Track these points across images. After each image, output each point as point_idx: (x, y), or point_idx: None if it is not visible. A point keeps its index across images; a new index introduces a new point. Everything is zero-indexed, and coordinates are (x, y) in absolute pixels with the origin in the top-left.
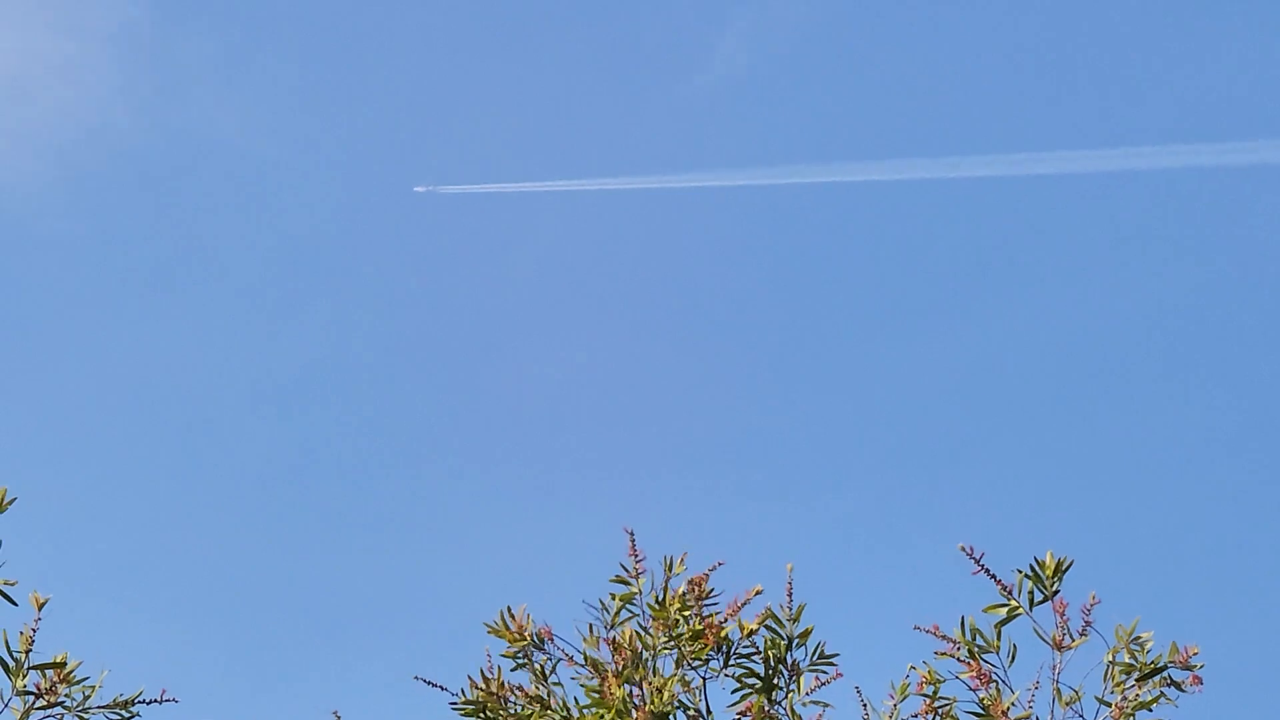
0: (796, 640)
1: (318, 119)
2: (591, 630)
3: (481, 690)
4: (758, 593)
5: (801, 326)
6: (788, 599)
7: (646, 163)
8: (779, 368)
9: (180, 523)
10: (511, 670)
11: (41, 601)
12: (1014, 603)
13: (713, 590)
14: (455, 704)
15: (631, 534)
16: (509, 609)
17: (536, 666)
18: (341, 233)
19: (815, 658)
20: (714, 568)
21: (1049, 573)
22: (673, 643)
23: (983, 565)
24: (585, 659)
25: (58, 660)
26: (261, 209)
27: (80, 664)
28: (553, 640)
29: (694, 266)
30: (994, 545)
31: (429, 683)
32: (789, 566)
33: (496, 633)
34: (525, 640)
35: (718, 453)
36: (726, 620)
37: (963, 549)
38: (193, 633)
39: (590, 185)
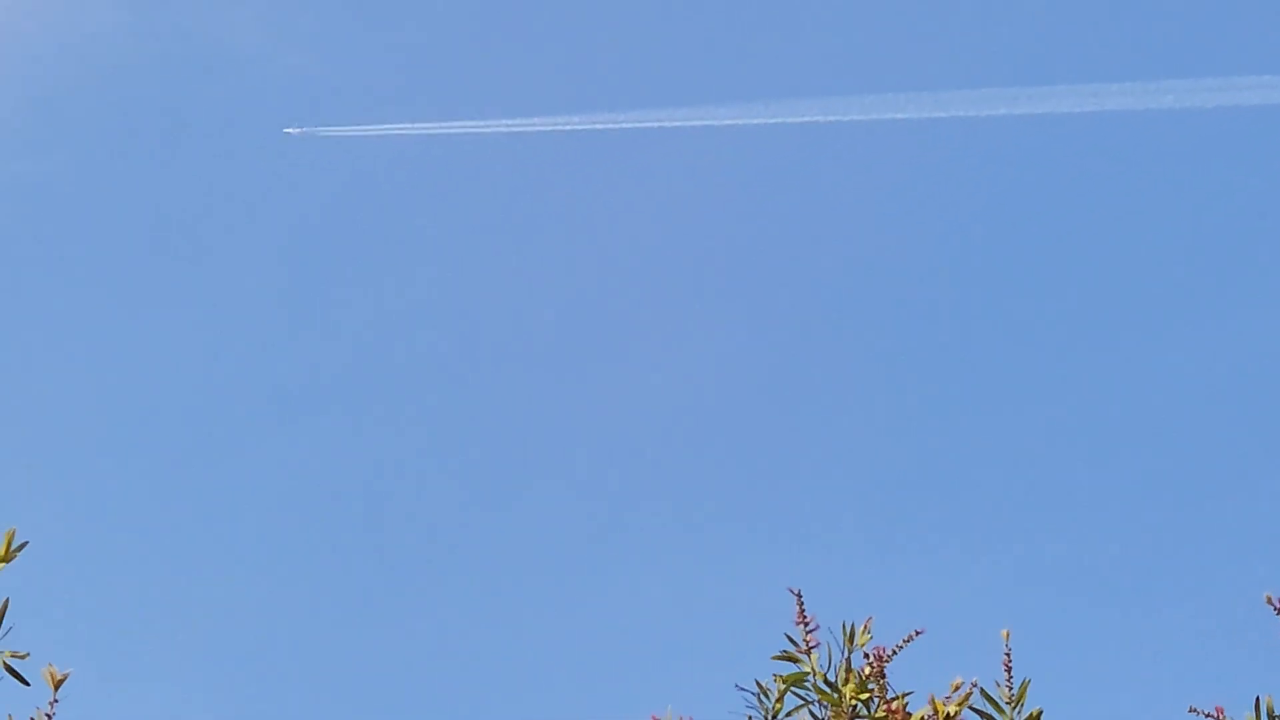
0: None
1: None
2: None
3: None
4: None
5: (977, 313)
6: (1006, 674)
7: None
8: (950, 370)
9: (197, 565)
10: None
11: (59, 678)
12: None
13: (892, 653)
14: None
15: (799, 595)
16: None
17: None
18: (394, 183)
19: None
20: (910, 638)
21: None
22: None
23: None
24: None
25: None
26: (300, 148)
27: None
28: None
29: (830, 228)
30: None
31: None
32: (1005, 633)
33: None
34: None
35: (888, 487)
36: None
37: (1270, 601)
38: (226, 708)
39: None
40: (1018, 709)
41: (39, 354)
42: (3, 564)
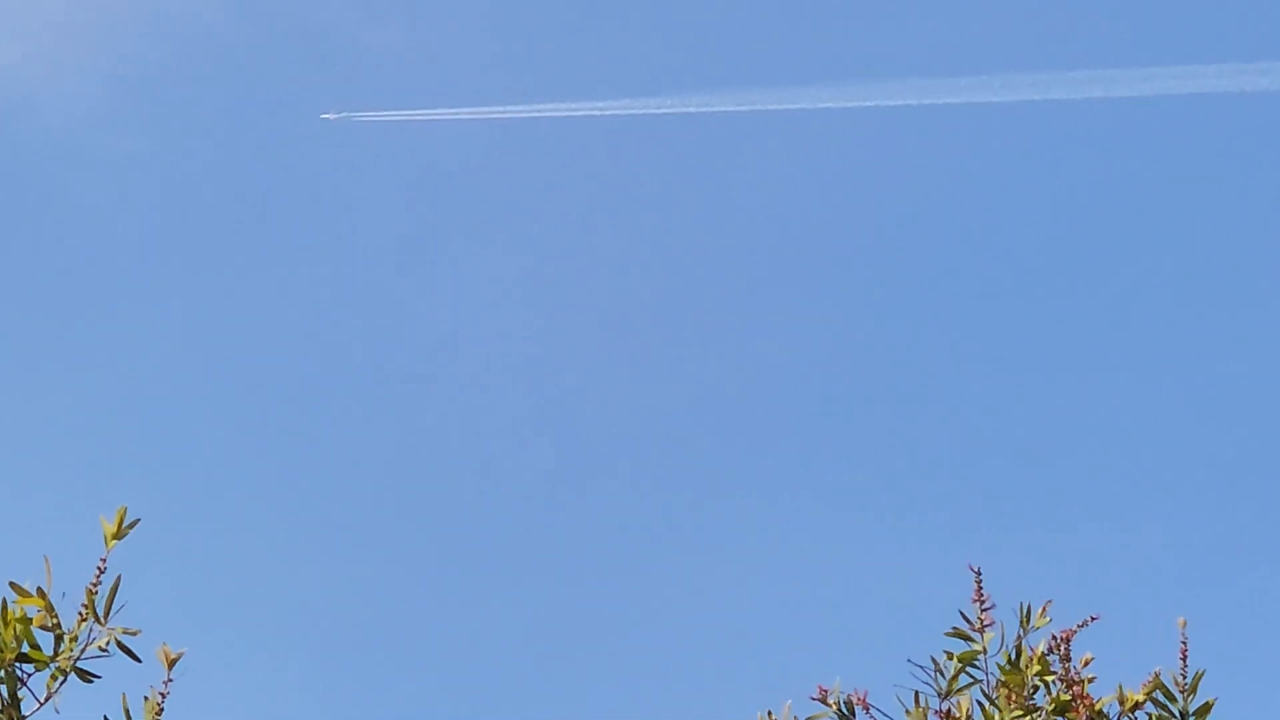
0: (1193, 717)
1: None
2: (919, 700)
3: None
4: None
5: (1093, 283)
6: (1181, 663)
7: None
8: (1068, 342)
9: (301, 540)
10: None
11: (173, 658)
12: None
13: (1065, 638)
14: None
15: (978, 573)
16: None
17: None
18: (492, 161)
19: None
20: (1085, 622)
21: None
22: (1027, 717)
23: None
24: None
25: None
26: (396, 128)
27: None
28: (868, 710)
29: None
30: None
31: None
32: (1181, 622)
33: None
34: (831, 708)
35: (1027, 465)
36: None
37: None
38: (335, 686)
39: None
40: (1191, 698)
41: (137, 329)
42: (115, 541)
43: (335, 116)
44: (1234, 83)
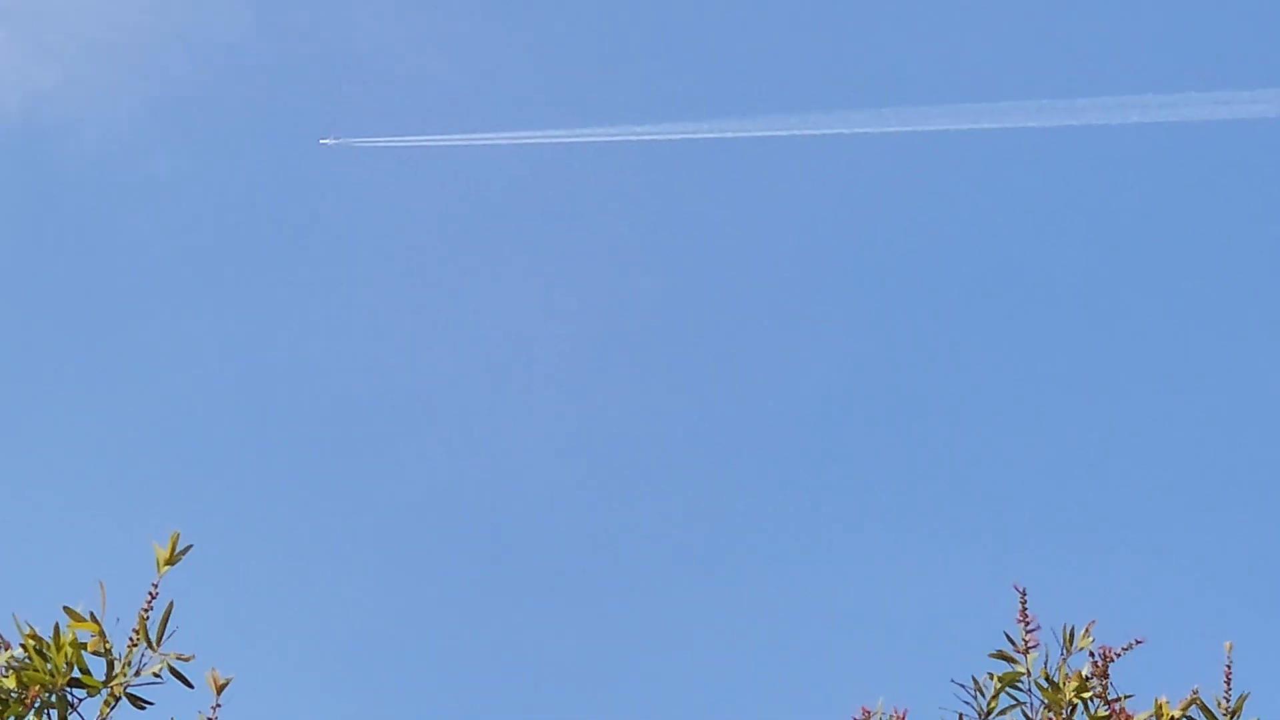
0: None
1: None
2: None
3: None
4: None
5: (1135, 296)
6: (1225, 685)
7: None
8: (1103, 364)
9: (340, 560)
10: None
11: (222, 683)
12: None
13: (1116, 655)
14: None
15: (1023, 594)
16: None
17: None
18: (529, 185)
19: None
20: (1131, 645)
21: None
22: None
23: None
24: None
25: None
26: (433, 152)
27: None
28: None
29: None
30: None
31: None
32: (1228, 645)
33: None
34: None
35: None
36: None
37: None
38: (380, 707)
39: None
40: (1234, 719)
41: (174, 351)
42: (168, 566)
43: (333, 141)
44: (1272, 108)
